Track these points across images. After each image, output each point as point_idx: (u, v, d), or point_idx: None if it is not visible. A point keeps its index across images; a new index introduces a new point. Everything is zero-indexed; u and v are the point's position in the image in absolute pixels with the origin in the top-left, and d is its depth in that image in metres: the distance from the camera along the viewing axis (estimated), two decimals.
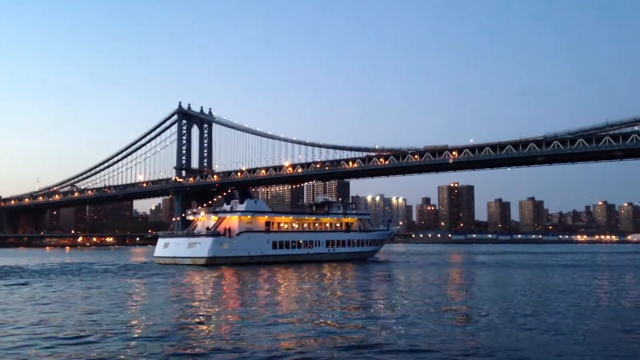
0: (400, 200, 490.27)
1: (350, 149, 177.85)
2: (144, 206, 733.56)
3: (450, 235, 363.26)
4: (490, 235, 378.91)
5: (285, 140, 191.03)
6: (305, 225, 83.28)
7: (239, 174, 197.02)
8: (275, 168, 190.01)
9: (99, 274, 54.91)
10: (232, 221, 74.35)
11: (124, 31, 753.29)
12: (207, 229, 74.45)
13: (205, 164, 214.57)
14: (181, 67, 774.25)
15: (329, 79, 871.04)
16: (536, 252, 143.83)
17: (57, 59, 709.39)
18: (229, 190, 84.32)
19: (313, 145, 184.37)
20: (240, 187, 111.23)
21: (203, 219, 77.80)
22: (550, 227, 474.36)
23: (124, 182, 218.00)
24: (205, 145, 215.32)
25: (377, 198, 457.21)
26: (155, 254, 76.86)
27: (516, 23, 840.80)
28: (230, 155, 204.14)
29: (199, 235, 73.56)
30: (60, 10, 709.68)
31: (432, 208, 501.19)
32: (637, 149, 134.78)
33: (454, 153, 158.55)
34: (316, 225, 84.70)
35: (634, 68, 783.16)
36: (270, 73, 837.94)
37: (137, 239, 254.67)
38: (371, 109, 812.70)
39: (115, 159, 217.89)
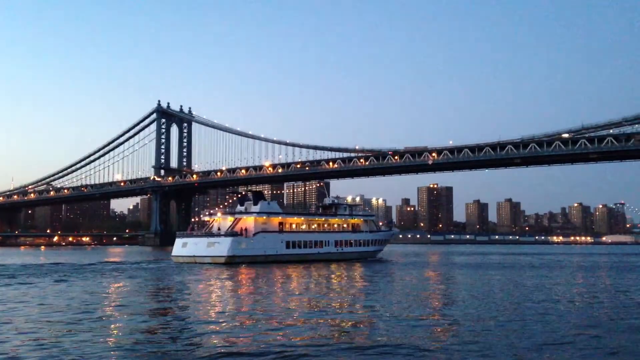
0: (380, 200, 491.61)
1: (331, 149, 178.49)
2: (121, 205, 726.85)
3: (429, 236, 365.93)
4: (468, 236, 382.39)
5: (266, 140, 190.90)
6: (314, 225, 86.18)
7: (218, 173, 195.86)
8: (255, 168, 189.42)
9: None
10: (248, 222, 76.71)
11: (105, 29, 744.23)
12: (218, 229, 76.99)
13: (185, 164, 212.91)
14: (161, 65, 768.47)
15: (310, 80, 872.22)
16: (514, 252, 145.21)
17: (33, 56, 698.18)
18: (243, 193, 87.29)
19: (294, 145, 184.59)
20: (254, 189, 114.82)
21: (219, 220, 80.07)
22: (527, 228, 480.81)
23: (102, 181, 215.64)
24: (185, 144, 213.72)
25: (357, 198, 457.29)
26: (173, 253, 78.01)
27: (498, 26, 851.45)
28: (210, 154, 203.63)
29: (217, 235, 75.62)
30: (40, 7, 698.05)
31: (412, 209, 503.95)
32: (612, 151, 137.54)
33: (433, 154, 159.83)
34: (325, 225, 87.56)
35: (609, 72, 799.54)
36: (250, 73, 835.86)
37: (115, 238, 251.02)
38: (351, 110, 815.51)
39: (92, 158, 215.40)
